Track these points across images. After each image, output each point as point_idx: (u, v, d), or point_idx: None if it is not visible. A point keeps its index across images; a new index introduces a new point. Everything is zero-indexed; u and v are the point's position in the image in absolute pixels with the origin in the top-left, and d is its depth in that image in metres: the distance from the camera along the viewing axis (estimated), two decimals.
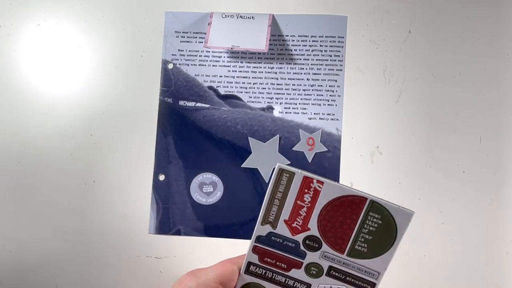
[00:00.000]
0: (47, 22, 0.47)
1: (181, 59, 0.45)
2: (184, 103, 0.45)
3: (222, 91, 0.45)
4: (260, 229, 0.31)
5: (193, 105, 0.45)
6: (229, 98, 0.45)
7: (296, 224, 0.31)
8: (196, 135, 0.44)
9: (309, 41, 0.45)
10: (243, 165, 0.43)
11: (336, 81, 0.44)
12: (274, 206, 0.31)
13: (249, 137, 0.44)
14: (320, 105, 0.44)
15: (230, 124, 0.44)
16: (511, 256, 0.41)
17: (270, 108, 0.44)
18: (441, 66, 0.44)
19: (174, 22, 0.46)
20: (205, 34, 0.45)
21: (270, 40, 0.45)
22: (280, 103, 0.44)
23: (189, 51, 0.45)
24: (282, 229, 0.31)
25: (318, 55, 0.45)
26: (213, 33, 0.44)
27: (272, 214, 0.31)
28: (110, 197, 0.44)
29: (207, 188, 0.43)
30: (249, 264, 0.33)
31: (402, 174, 0.43)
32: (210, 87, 0.45)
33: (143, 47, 0.46)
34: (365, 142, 0.44)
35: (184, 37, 0.46)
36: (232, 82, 0.45)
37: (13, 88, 0.46)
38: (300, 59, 0.45)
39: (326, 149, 0.43)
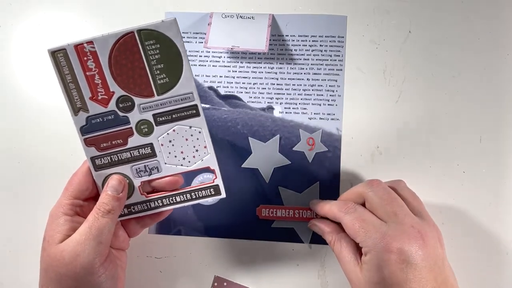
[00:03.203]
0: (47, 22, 0.47)
1: None
2: None
3: (222, 91, 0.45)
4: (78, 120, 0.31)
5: None
6: (229, 98, 0.45)
7: (101, 95, 0.30)
8: None
9: (309, 41, 0.45)
10: (244, 165, 0.43)
11: (336, 81, 0.44)
12: (73, 91, 0.30)
13: (249, 137, 0.44)
14: (320, 105, 0.44)
15: (231, 124, 0.44)
16: (511, 256, 0.41)
17: (270, 108, 0.44)
18: (441, 66, 0.44)
19: None
20: (205, 34, 0.45)
21: (270, 40, 0.45)
22: (280, 103, 0.44)
23: (189, 51, 0.45)
24: (94, 108, 0.30)
25: (318, 55, 0.45)
26: (213, 33, 0.44)
27: (77, 100, 0.30)
28: None
29: None
30: (93, 159, 0.32)
31: (402, 174, 0.43)
32: (210, 87, 0.45)
33: None
34: (365, 142, 0.44)
35: (184, 37, 0.46)
36: (232, 82, 0.45)
37: (13, 88, 0.46)
38: (300, 59, 0.45)
39: (327, 149, 0.43)
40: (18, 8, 0.47)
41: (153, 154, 0.32)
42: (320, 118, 0.44)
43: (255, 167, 0.43)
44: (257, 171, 0.43)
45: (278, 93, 0.45)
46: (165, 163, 0.33)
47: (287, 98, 0.44)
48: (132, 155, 0.32)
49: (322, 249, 0.42)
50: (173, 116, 0.32)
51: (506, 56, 0.44)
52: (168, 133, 0.32)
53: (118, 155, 0.32)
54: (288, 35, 0.45)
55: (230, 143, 0.44)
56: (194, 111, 0.32)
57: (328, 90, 0.44)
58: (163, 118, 0.31)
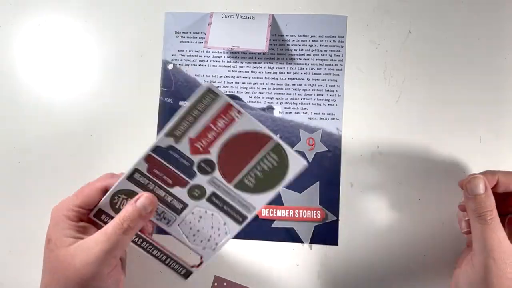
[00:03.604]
0: (47, 22, 0.47)
1: (181, 60, 0.45)
2: (185, 104, 0.45)
3: (222, 91, 0.45)
4: (162, 140, 0.31)
5: None
6: None
7: (199, 144, 0.31)
8: None
9: (309, 41, 0.45)
10: None
11: (336, 81, 0.44)
12: (185, 122, 0.30)
13: None
14: (320, 105, 0.44)
15: None
16: None
17: (270, 108, 0.44)
18: (441, 66, 0.44)
19: (174, 23, 0.46)
20: (205, 34, 0.45)
21: (270, 40, 0.45)
22: (280, 103, 0.44)
23: (189, 51, 0.45)
24: (184, 146, 0.31)
25: (318, 55, 0.45)
26: (213, 33, 0.44)
27: (181, 129, 0.31)
28: None
29: None
30: (135, 171, 0.32)
31: (402, 174, 0.43)
32: None
33: (143, 47, 0.46)
34: (365, 142, 0.44)
35: (184, 37, 0.46)
36: (232, 82, 0.45)
37: (13, 88, 0.46)
38: (300, 59, 0.45)
39: (327, 149, 0.43)
40: (18, 8, 0.47)
41: (178, 212, 0.33)
42: (320, 118, 0.44)
43: None
44: None
45: (278, 93, 0.45)
46: (178, 225, 0.33)
47: (287, 98, 0.44)
48: (164, 198, 0.32)
49: (322, 249, 0.42)
50: (224, 207, 0.32)
51: (506, 56, 0.44)
52: (206, 211, 0.32)
53: (156, 187, 0.32)
54: (288, 35, 0.45)
55: None
56: (240, 219, 0.32)
57: (328, 90, 0.44)
58: (216, 201, 0.32)
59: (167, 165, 0.31)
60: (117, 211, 0.32)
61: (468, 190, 0.33)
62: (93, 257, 0.30)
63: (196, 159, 0.31)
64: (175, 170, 0.31)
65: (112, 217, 0.33)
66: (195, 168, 0.31)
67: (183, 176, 0.31)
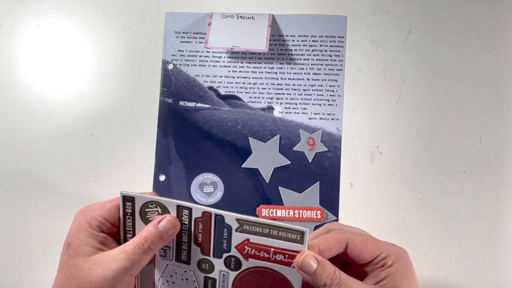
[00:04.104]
0: (47, 22, 0.47)
1: (181, 60, 0.45)
2: (185, 104, 0.45)
3: (222, 91, 0.45)
4: (230, 217, 0.31)
5: (193, 105, 0.45)
6: (229, 98, 0.45)
7: (248, 249, 0.31)
8: (197, 136, 0.44)
9: (309, 41, 0.45)
10: (244, 165, 0.43)
11: (336, 81, 0.44)
12: (260, 228, 0.31)
13: (249, 137, 0.44)
14: (320, 105, 0.44)
15: (231, 124, 0.44)
16: (511, 256, 0.41)
17: (270, 108, 0.44)
18: (441, 66, 0.44)
19: (174, 23, 0.46)
20: (205, 34, 0.45)
21: (270, 40, 0.45)
22: (280, 103, 0.44)
23: (189, 51, 0.45)
24: (238, 237, 0.31)
25: (318, 55, 0.45)
26: (213, 33, 0.44)
27: (251, 228, 0.31)
28: (110, 198, 0.44)
29: (207, 188, 0.43)
30: (189, 209, 0.32)
31: (402, 174, 0.43)
32: (210, 88, 0.45)
33: (143, 47, 0.46)
34: (365, 142, 0.44)
35: (184, 37, 0.46)
36: (232, 83, 0.45)
37: (13, 88, 0.46)
38: (300, 59, 0.45)
39: (327, 149, 0.43)
40: (18, 8, 0.47)
41: (179, 259, 0.33)
42: (320, 118, 0.44)
43: (255, 167, 0.43)
44: (257, 171, 0.43)
45: (278, 93, 0.45)
46: (167, 264, 0.33)
47: (287, 98, 0.44)
48: (182, 242, 0.32)
49: None
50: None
51: (506, 56, 0.44)
52: (194, 281, 0.33)
53: (186, 232, 0.32)
54: (288, 35, 0.45)
55: (230, 143, 0.44)
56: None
57: (328, 90, 0.44)
58: (209, 284, 0.33)
59: (212, 231, 0.31)
60: (144, 218, 0.32)
61: (305, 272, 0.30)
62: (110, 273, 0.30)
63: (234, 252, 0.31)
64: (211, 240, 0.32)
65: (132, 215, 0.33)
66: (225, 255, 0.32)
67: (212, 249, 0.32)
